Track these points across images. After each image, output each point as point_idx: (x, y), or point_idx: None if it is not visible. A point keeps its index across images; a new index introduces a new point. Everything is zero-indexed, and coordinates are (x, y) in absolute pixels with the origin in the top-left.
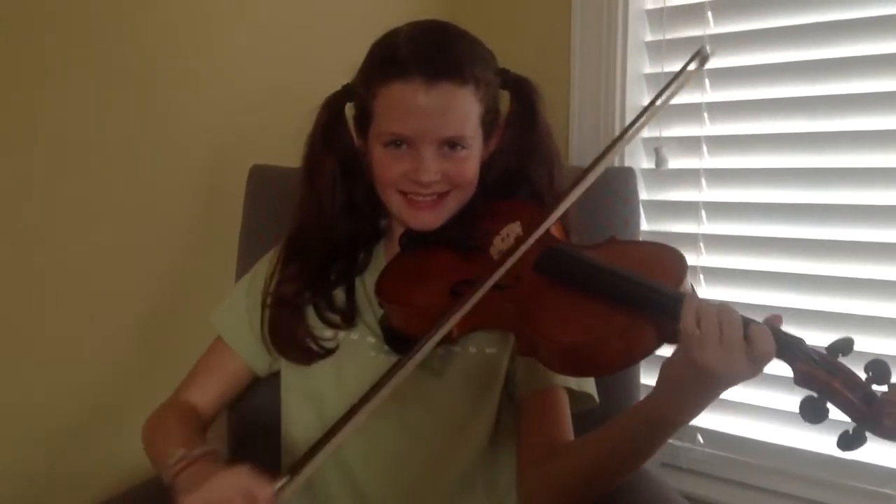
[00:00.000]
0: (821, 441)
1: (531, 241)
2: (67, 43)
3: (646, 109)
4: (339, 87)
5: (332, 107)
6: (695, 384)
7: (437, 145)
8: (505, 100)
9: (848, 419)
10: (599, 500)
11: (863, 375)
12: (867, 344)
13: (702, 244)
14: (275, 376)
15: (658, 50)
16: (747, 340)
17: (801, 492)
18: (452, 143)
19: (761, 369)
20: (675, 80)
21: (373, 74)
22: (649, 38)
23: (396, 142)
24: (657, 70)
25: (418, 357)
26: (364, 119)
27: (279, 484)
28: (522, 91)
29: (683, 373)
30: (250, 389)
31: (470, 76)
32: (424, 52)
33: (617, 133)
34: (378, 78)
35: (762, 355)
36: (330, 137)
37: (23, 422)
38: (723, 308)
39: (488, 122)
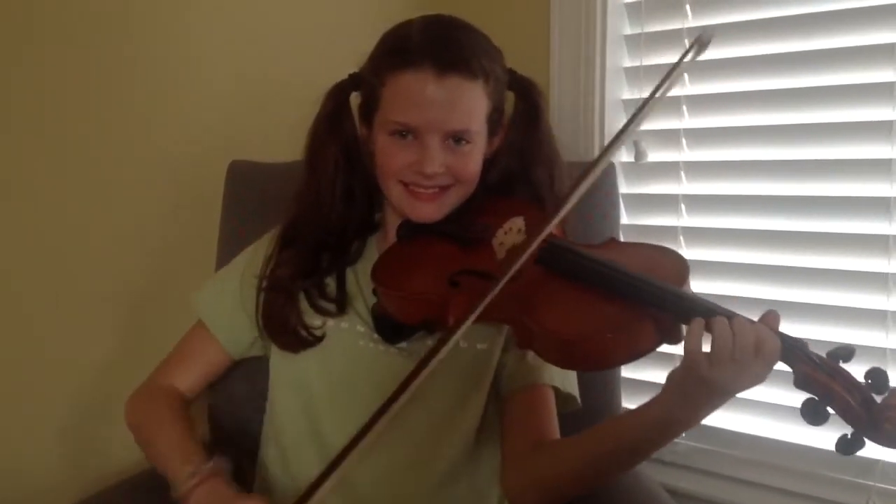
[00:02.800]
0: (803, 433)
1: (547, 230)
2: (45, 40)
3: (647, 100)
4: (319, 83)
5: (338, 95)
6: (702, 394)
7: (443, 138)
8: (508, 100)
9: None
10: (584, 495)
11: (862, 383)
12: (849, 336)
13: (682, 237)
14: (251, 360)
15: (637, 43)
16: (756, 350)
17: (784, 483)
18: (458, 137)
19: (768, 373)
20: (675, 69)
21: (383, 63)
22: (628, 31)
23: (402, 132)
24: (636, 63)
25: (434, 362)
26: (370, 107)
27: None
28: (528, 92)
29: (691, 384)
30: (229, 377)
31: (480, 71)
32: (436, 44)
33: (597, 127)
34: (388, 66)
35: (768, 360)
36: (334, 125)
37: (6, 419)
38: (735, 321)
39: (494, 119)
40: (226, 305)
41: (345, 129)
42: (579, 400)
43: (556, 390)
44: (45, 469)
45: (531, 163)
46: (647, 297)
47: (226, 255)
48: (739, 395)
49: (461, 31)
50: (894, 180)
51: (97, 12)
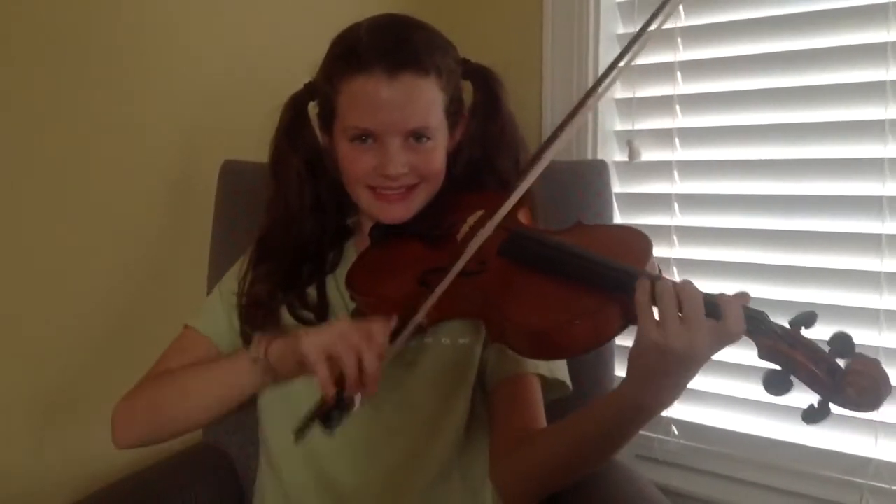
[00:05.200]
0: (795, 431)
1: (502, 214)
2: (35, 39)
3: (611, 67)
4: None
5: (295, 106)
6: (662, 367)
7: (403, 137)
8: (467, 90)
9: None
10: (576, 493)
11: (826, 349)
12: None
13: (675, 236)
14: None
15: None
16: (717, 317)
17: (775, 482)
18: (418, 135)
19: (726, 346)
20: (644, 30)
21: (334, 70)
22: (621, 30)
23: (362, 136)
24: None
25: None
26: (328, 116)
27: (392, 325)
28: (484, 80)
29: (649, 357)
30: None
31: (431, 66)
32: (384, 45)
33: (590, 125)
34: (340, 73)
35: (730, 334)
36: (294, 137)
37: None
38: (681, 285)
39: (452, 112)
40: (217, 317)
41: (305, 140)
42: (570, 384)
43: (544, 378)
44: (31, 472)
45: (494, 150)
46: (610, 281)
47: (219, 254)
48: (734, 393)
49: (409, 28)
50: (886, 179)
51: (89, 12)
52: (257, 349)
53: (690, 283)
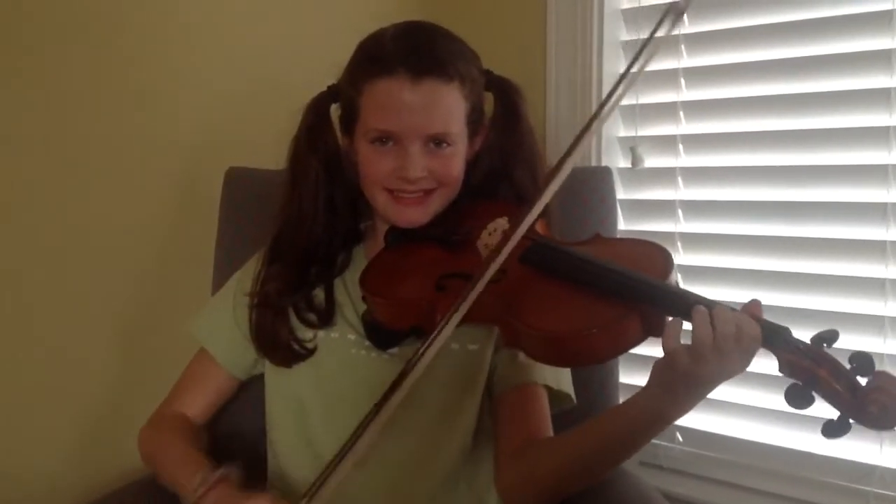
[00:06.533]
0: (800, 438)
1: (529, 221)
2: (41, 42)
3: (623, 76)
4: (315, 88)
5: (318, 108)
6: (683, 387)
7: (423, 142)
8: (488, 101)
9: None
10: (581, 500)
11: (847, 367)
12: (845, 341)
13: (679, 243)
14: (257, 379)
15: (634, 49)
16: (736, 339)
17: (780, 489)
18: (438, 140)
19: (750, 361)
20: (650, 40)
21: (359, 72)
22: (625, 37)
23: (383, 138)
24: (634, 69)
25: (424, 361)
26: (350, 117)
27: None
28: (505, 92)
29: (671, 378)
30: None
31: (455, 73)
32: (410, 49)
33: (594, 132)
34: (364, 75)
35: (749, 348)
36: (315, 139)
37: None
38: (716, 315)
39: (473, 120)
40: (223, 329)
41: (326, 142)
42: (574, 397)
43: (550, 389)
44: (50, 473)
45: (512, 162)
46: (631, 291)
47: (223, 261)
48: (738, 401)
49: (434, 35)
50: (891, 186)
51: (96, 19)
52: (196, 490)
53: (723, 308)
